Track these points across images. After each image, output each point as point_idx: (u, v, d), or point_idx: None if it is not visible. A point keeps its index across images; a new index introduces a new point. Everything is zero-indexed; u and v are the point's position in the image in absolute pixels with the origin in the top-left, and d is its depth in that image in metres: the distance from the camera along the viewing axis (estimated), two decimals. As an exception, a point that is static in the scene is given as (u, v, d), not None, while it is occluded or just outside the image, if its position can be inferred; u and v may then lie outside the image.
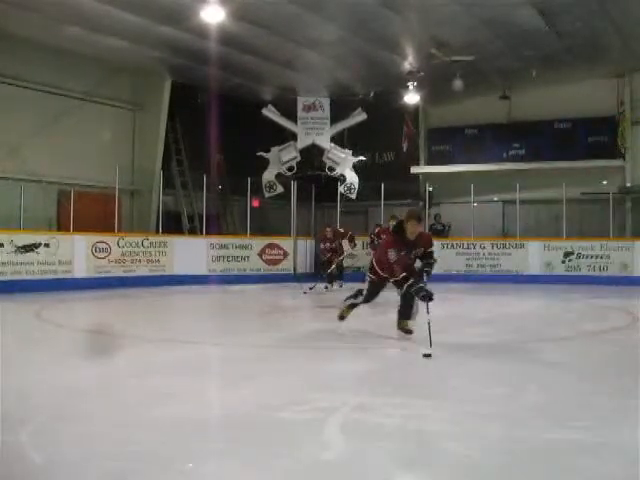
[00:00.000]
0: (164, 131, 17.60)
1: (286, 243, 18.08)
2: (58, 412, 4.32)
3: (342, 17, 13.54)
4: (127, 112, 17.89)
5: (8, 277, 13.22)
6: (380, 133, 20.15)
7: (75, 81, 16.16)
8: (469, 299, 13.59)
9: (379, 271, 7.25)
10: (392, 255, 6.87)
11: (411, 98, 17.87)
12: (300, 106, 18.71)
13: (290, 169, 18.77)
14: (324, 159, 18.93)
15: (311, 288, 14.13)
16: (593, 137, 18.99)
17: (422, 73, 16.66)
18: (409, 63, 16.43)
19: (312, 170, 19.19)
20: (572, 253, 16.92)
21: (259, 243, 17.65)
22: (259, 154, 18.67)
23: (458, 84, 16.93)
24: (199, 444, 3.64)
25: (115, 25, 13.65)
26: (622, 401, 4.67)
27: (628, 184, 18.78)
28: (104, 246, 14.95)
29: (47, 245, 13.92)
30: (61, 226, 15.53)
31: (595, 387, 5.12)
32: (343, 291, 11.45)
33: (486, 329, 6.63)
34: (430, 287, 6.65)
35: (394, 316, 7.37)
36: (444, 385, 5.34)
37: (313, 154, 19.15)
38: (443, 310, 10.57)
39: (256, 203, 19.19)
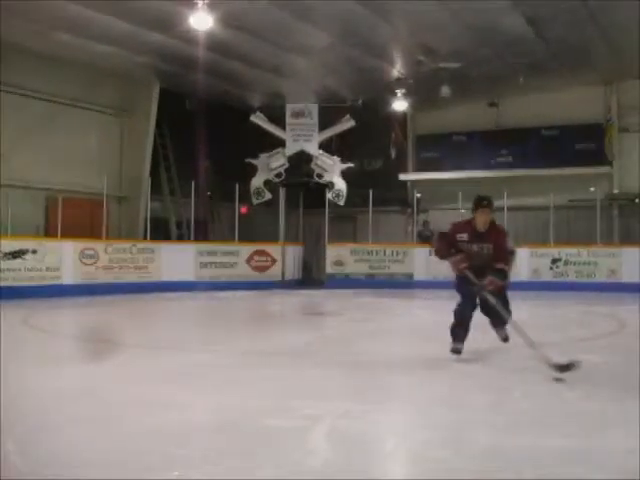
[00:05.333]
0: (152, 137, 17.53)
1: (274, 250, 18.05)
2: (43, 420, 4.30)
3: (331, 24, 13.59)
4: (115, 118, 17.79)
5: (-5, 284, 13.14)
6: (368, 140, 20.15)
7: (63, 87, 16.05)
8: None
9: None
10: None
11: (399, 105, 17.94)
12: (288, 113, 18.70)
13: (278, 176, 18.76)
14: (312, 166, 18.91)
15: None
16: (580, 144, 19.08)
17: (410, 80, 16.73)
18: (397, 70, 16.51)
19: (300, 177, 19.17)
20: (560, 260, 17.00)
21: (247, 250, 17.60)
22: (247, 161, 18.66)
23: (446, 91, 17.00)
24: (185, 452, 3.63)
25: (103, 31, 13.62)
26: (609, 409, 4.68)
27: (615, 191, 18.89)
28: (92, 253, 14.88)
29: (35, 251, 13.84)
30: (49, 232, 15.44)
31: (582, 394, 5.12)
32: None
33: (472, 336, 6.64)
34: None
35: (381, 325, 7.35)
36: (430, 392, 5.34)
37: (301, 161, 19.13)
38: (430, 317, 10.60)
39: (244, 210, 19.15)
